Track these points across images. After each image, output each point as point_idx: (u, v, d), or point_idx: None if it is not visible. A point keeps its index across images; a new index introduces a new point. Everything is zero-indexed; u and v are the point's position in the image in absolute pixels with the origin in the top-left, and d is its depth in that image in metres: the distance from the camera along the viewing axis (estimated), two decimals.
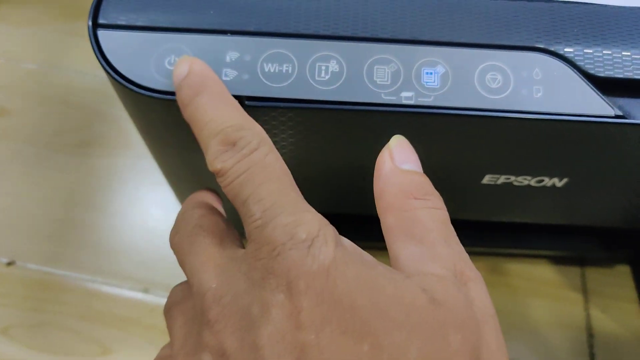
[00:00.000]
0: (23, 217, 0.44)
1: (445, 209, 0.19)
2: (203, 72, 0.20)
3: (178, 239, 0.20)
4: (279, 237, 0.16)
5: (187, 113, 0.20)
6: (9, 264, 0.42)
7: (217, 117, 0.19)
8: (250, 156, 0.18)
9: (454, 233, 0.19)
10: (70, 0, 0.56)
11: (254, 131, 0.19)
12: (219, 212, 0.21)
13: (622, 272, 0.43)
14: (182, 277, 0.22)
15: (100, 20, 0.22)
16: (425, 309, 0.16)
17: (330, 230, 0.17)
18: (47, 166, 0.46)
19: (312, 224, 0.17)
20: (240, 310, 0.16)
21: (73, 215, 0.44)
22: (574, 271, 0.42)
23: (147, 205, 0.45)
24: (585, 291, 0.42)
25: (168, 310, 0.20)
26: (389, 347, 0.15)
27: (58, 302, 0.40)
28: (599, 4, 0.24)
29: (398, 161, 0.20)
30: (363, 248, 0.18)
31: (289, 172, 0.19)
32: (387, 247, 0.19)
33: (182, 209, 0.22)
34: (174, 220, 0.21)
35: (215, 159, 0.19)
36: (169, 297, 0.21)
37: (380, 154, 0.20)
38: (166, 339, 0.40)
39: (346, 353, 0.15)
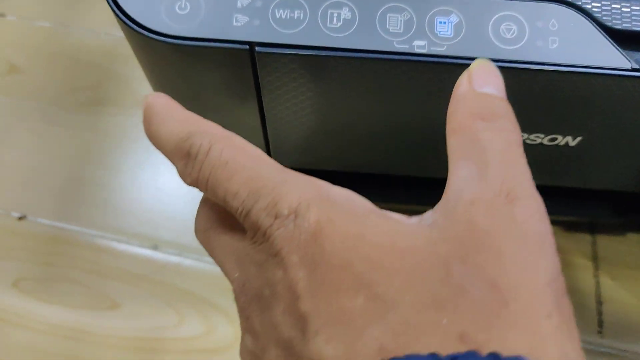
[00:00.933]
0: (34, 173, 0.44)
1: (516, 131, 0.18)
2: (151, 101, 0.21)
3: (199, 237, 0.21)
4: (265, 221, 0.17)
5: (152, 143, 0.21)
6: (20, 218, 0.42)
7: (169, 137, 0.19)
8: (207, 159, 0.18)
9: (518, 154, 0.18)
10: None
11: (202, 133, 0.19)
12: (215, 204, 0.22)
13: (634, 240, 0.42)
14: (191, 236, 0.22)
15: None
16: (423, 249, 0.16)
17: (310, 190, 0.17)
18: (58, 123, 0.47)
19: (291, 196, 0.17)
20: (257, 294, 0.17)
21: (83, 172, 0.44)
22: (585, 238, 0.42)
23: (157, 164, 0.45)
24: (595, 258, 0.42)
25: None
26: (384, 295, 0.15)
27: (68, 256, 0.41)
28: None
29: (476, 84, 0.19)
30: (387, 209, 0.18)
31: (251, 150, 0.19)
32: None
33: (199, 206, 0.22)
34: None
35: (182, 175, 0.19)
36: None
37: (460, 76, 0.20)
38: (173, 294, 0.40)
39: (342, 310, 0.15)
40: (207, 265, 0.41)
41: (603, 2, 0.22)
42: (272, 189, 0.17)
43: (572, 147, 0.27)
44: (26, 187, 0.44)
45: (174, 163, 0.20)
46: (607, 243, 0.42)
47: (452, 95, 0.20)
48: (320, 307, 0.15)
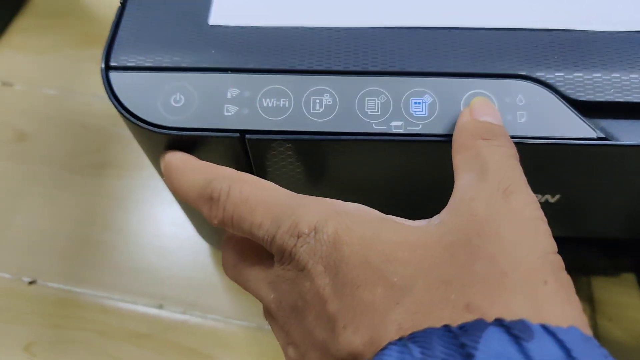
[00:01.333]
0: (42, 236, 0.46)
1: (513, 148, 0.21)
2: (168, 159, 0.23)
3: (230, 274, 0.23)
4: (289, 242, 0.19)
5: (177, 196, 0.23)
6: (31, 282, 0.44)
7: (191, 187, 0.22)
8: (229, 199, 0.20)
9: (514, 165, 0.20)
10: (86, 28, 0.59)
11: (219, 179, 0.21)
12: (242, 239, 0.23)
13: (628, 280, 0.43)
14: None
15: (112, 63, 0.24)
16: (431, 241, 0.18)
17: (326, 209, 0.19)
18: (65, 187, 0.49)
19: (309, 216, 0.19)
20: (292, 307, 0.19)
21: (89, 234, 0.46)
22: (580, 280, 0.43)
23: (160, 223, 0.46)
24: (592, 300, 0.42)
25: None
26: (399, 283, 0.17)
27: (77, 318, 0.42)
28: (578, 30, 0.25)
29: (476, 114, 0.22)
30: None
31: (266, 183, 0.21)
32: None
33: (222, 246, 0.24)
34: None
35: (209, 217, 0.21)
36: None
37: (462, 111, 0.23)
38: (178, 353, 0.41)
39: (366, 302, 0.17)
40: (212, 322, 0.42)
41: (566, 76, 0.24)
42: (292, 213, 0.19)
43: (553, 203, 0.29)
44: (35, 251, 0.45)
45: (199, 209, 0.22)
46: (602, 284, 0.43)
47: (456, 126, 0.22)
48: (345, 304, 0.17)
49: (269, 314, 0.22)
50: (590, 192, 0.28)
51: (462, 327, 0.15)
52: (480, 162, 0.20)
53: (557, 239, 0.36)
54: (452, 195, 0.20)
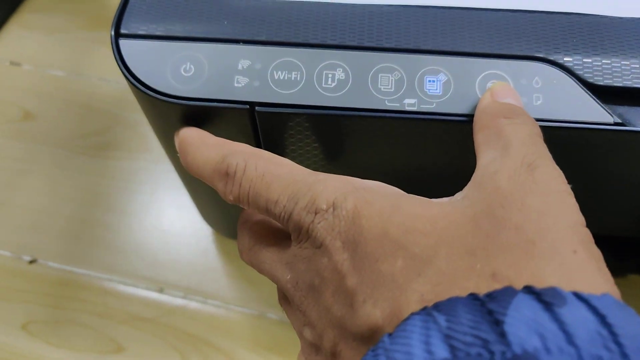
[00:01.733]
0: (44, 216, 0.46)
1: (536, 126, 0.20)
2: (183, 135, 0.23)
3: (246, 258, 0.23)
4: (307, 219, 0.18)
5: (191, 173, 0.23)
6: (31, 261, 0.43)
7: (206, 162, 0.22)
8: (245, 175, 0.20)
9: (538, 140, 0.19)
10: (95, 9, 0.58)
11: (235, 154, 0.21)
12: (260, 219, 0.23)
13: (636, 283, 0.43)
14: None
15: (122, 30, 0.24)
16: (453, 212, 0.17)
17: (345, 185, 0.18)
18: (69, 168, 0.48)
19: (327, 192, 0.18)
20: (309, 286, 0.19)
21: (92, 215, 0.46)
22: None
23: (163, 207, 0.46)
24: None
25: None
26: (420, 254, 0.16)
27: (76, 299, 0.42)
28: (598, 15, 0.25)
29: (497, 96, 0.22)
30: None
31: (282, 160, 0.21)
32: None
33: (238, 222, 0.24)
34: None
35: (224, 194, 0.21)
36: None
37: (482, 95, 0.22)
38: (178, 337, 0.41)
39: (385, 275, 0.16)
40: (212, 308, 0.41)
41: (584, 60, 0.23)
42: (309, 190, 0.19)
43: None
44: (37, 230, 0.45)
45: (214, 185, 0.21)
46: None
47: (477, 108, 0.22)
48: (365, 278, 0.17)
49: (284, 298, 0.21)
50: (603, 182, 0.27)
51: (490, 295, 0.14)
52: (503, 140, 0.19)
53: None
54: (474, 173, 0.19)
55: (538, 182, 0.17)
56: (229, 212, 0.36)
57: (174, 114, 0.23)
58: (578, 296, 0.14)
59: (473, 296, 0.14)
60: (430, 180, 0.23)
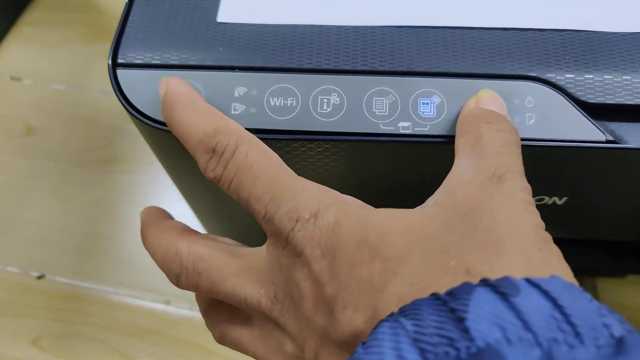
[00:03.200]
0: (50, 231, 0.46)
1: (515, 134, 0.21)
2: (175, 89, 0.22)
3: (189, 282, 0.21)
4: (287, 225, 0.18)
5: (171, 130, 0.21)
6: (39, 277, 0.44)
7: (192, 129, 0.20)
8: (233, 159, 0.19)
9: (514, 151, 0.20)
10: (93, 21, 0.59)
11: (228, 132, 0.20)
12: (195, 231, 0.22)
13: (634, 282, 0.43)
14: None
15: (119, 60, 0.24)
16: (427, 217, 0.18)
17: (327, 196, 0.19)
18: (73, 182, 0.49)
19: (311, 201, 0.18)
20: (289, 297, 0.19)
21: (97, 229, 0.46)
22: (587, 282, 0.43)
23: None
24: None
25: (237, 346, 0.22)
26: (396, 255, 0.17)
27: (84, 313, 0.43)
28: (590, 31, 0.25)
29: (482, 103, 0.22)
30: None
31: (274, 156, 0.20)
32: None
33: (157, 247, 0.22)
34: (163, 262, 0.22)
35: (205, 169, 0.20)
36: (219, 329, 0.22)
37: (468, 100, 0.23)
38: (185, 349, 0.41)
39: (364, 279, 0.17)
40: None
41: (576, 78, 0.24)
42: (293, 196, 0.19)
43: (560, 205, 0.29)
44: (44, 245, 0.46)
45: (195, 156, 0.20)
46: (608, 286, 0.42)
47: (461, 112, 0.23)
48: (344, 284, 0.17)
49: (247, 322, 0.20)
50: (598, 195, 0.28)
51: (450, 293, 0.15)
52: (480, 147, 0.20)
53: (564, 240, 0.36)
54: (447, 176, 0.20)
55: (505, 192, 0.18)
56: (229, 224, 0.36)
57: (173, 142, 0.24)
58: (530, 282, 0.15)
59: (435, 296, 0.15)
60: (423, 199, 0.24)
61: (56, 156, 0.50)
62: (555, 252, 0.17)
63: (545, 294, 0.14)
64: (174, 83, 0.22)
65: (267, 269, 0.19)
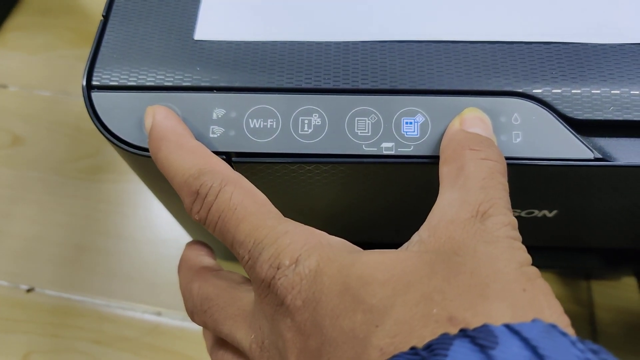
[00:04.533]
0: (39, 243, 0.46)
1: (500, 162, 0.20)
2: (161, 123, 0.21)
3: (198, 320, 0.21)
4: (268, 273, 0.18)
5: (157, 167, 0.21)
6: (29, 290, 0.44)
7: (177, 169, 0.20)
8: (216, 202, 0.19)
9: (499, 182, 0.19)
10: (78, 25, 0.58)
11: (213, 173, 0.20)
12: (212, 269, 0.23)
13: (628, 285, 0.42)
14: None
15: (94, 82, 0.24)
16: (409, 259, 0.17)
17: (311, 240, 0.18)
18: (61, 193, 0.48)
19: (293, 246, 0.18)
20: (274, 347, 0.18)
21: (86, 240, 0.46)
22: (580, 285, 0.43)
23: (158, 229, 0.46)
24: (592, 305, 0.42)
25: None
26: (377, 305, 0.16)
27: (74, 327, 0.42)
28: (577, 43, 0.24)
29: (466, 125, 0.22)
30: None
31: (259, 197, 0.20)
32: None
33: (181, 284, 0.23)
34: (183, 299, 0.22)
35: (190, 211, 0.20)
36: None
37: (452, 120, 0.22)
38: None
39: (347, 331, 0.16)
40: None
41: (563, 94, 0.23)
42: (275, 241, 0.18)
43: (550, 217, 0.28)
44: (32, 258, 0.45)
45: (180, 195, 0.20)
46: (602, 289, 0.42)
47: (445, 134, 0.22)
48: (327, 337, 0.16)
49: (243, 358, 0.20)
50: (588, 208, 0.27)
51: (429, 347, 0.14)
52: (463, 178, 0.19)
53: (556, 247, 0.36)
54: (432, 210, 0.20)
55: (489, 230, 0.18)
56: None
57: (151, 167, 0.23)
58: (510, 328, 0.14)
59: (414, 351, 0.14)
60: (407, 220, 0.23)
61: (43, 167, 0.50)
62: (542, 289, 0.17)
63: (525, 341, 0.14)
64: (160, 116, 0.22)
65: (255, 315, 0.19)
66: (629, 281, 0.42)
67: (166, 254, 0.45)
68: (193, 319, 0.22)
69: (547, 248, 0.37)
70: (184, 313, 0.42)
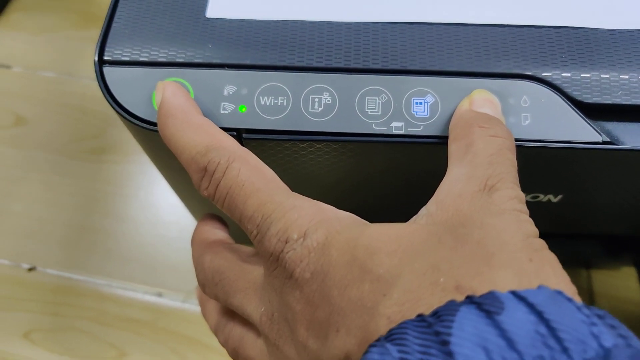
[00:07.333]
0: (41, 223, 0.46)
1: (509, 139, 0.20)
2: (169, 100, 0.21)
3: (210, 292, 0.21)
4: (277, 246, 0.18)
5: (165, 143, 0.21)
6: (30, 269, 0.44)
7: (185, 145, 0.20)
8: (224, 179, 0.19)
9: (507, 158, 0.20)
10: (83, 7, 0.58)
11: (220, 150, 0.20)
12: (224, 242, 0.23)
13: (628, 274, 0.43)
14: (195, 281, 0.23)
15: (106, 57, 0.24)
16: (416, 230, 0.17)
17: (318, 214, 0.18)
18: (63, 173, 0.48)
19: (301, 220, 0.18)
20: (283, 320, 0.18)
21: (88, 221, 0.46)
22: (580, 273, 0.43)
23: (160, 211, 0.46)
24: (592, 294, 0.42)
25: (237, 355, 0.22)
26: (385, 274, 0.16)
27: (76, 306, 0.42)
28: (587, 28, 0.24)
29: (475, 105, 0.22)
30: None
31: (267, 173, 0.20)
32: None
33: (193, 256, 0.23)
34: (195, 271, 0.22)
35: (198, 187, 0.20)
36: (231, 343, 0.22)
37: (461, 101, 0.22)
38: (178, 342, 0.41)
39: (355, 301, 0.16)
40: None
41: (573, 77, 0.23)
42: (283, 215, 0.18)
43: (555, 202, 0.28)
44: (34, 238, 0.45)
45: (189, 172, 0.20)
46: (602, 278, 0.42)
47: (454, 114, 0.22)
48: (335, 307, 0.17)
49: (257, 339, 0.20)
50: (593, 193, 0.27)
51: (435, 314, 0.14)
52: (472, 154, 0.19)
53: (559, 234, 0.36)
54: (440, 185, 0.20)
55: (496, 203, 0.18)
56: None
57: (159, 142, 0.23)
58: (516, 295, 0.14)
59: (420, 318, 0.15)
60: (416, 199, 0.23)
61: (47, 147, 0.50)
62: (549, 260, 0.17)
63: (531, 307, 0.14)
64: (169, 92, 0.22)
65: (265, 288, 0.19)
66: (629, 270, 0.43)
67: (167, 235, 0.45)
68: (204, 291, 0.22)
69: (549, 235, 0.37)
70: (184, 294, 0.42)
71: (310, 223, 0.18)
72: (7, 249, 0.45)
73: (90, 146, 0.50)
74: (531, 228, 0.18)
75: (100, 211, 0.46)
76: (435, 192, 0.19)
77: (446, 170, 0.21)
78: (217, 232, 0.24)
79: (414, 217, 0.19)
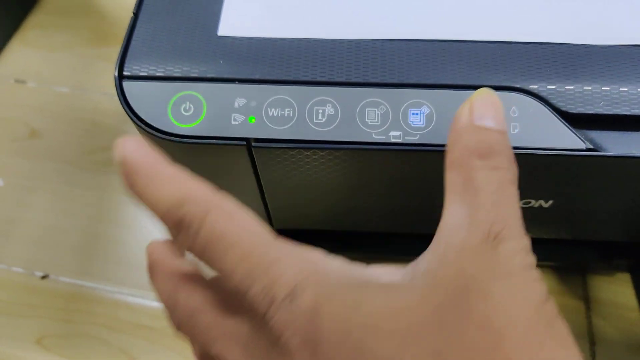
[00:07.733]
0: (54, 232, 0.47)
1: (511, 169, 0.19)
2: (131, 156, 0.19)
3: (186, 333, 0.20)
4: (262, 306, 0.17)
5: (140, 203, 0.20)
6: (43, 277, 0.45)
7: (157, 200, 0.18)
8: (200, 233, 0.18)
9: (510, 194, 0.18)
10: (96, 25, 0.60)
11: (195, 201, 0.18)
12: (196, 276, 0.20)
13: (623, 280, 0.44)
14: None
15: (125, 72, 0.26)
16: (416, 305, 0.16)
17: (305, 268, 0.17)
18: (75, 183, 0.50)
19: (286, 277, 0.17)
20: None
21: (100, 230, 0.48)
22: (576, 279, 0.44)
23: None
24: (586, 299, 0.43)
25: None
26: (385, 357, 0.16)
27: (88, 313, 0.44)
28: (572, 43, 0.26)
29: (476, 116, 0.20)
30: (369, 260, 0.19)
31: (244, 220, 0.18)
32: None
33: (160, 292, 0.21)
34: (166, 309, 0.20)
35: (175, 244, 0.19)
36: None
37: (461, 107, 0.21)
38: (189, 348, 0.43)
39: None
40: None
41: (558, 89, 0.25)
42: (266, 270, 0.17)
43: (546, 208, 0.30)
44: (47, 246, 0.47)
45: (165, 226, 0.19)
46: (598, 284, 0.44)
47: (452, 127, 0.20)
48: None
49: None
50: (582, 198, 0.29)
51: None
52: (472, 193, 0.18)
53: (552, 240, 0.37)
54: (439, 229, 0.18)
55: (502, 262, 0.17)
56: None
57: (176, 151, 0.25)
58: None
59: None
60: (413, 206, 0.25)
61: (59, 158, 0.51)
62: (562, 335, 0.16)
63: None
64: (130, 148, 0.20)
65: (250, 342, 0.18)
66: (623, 276, 0.44)
67: None
68: (179, 329, 0.20)
69: (544, 241, 0.39)
70: None
71: (297, 279, 0.17)
72: (21, 257, 0.46)
73: (102, 158, 0.51)
74: (541, 290, 0.17)
75: (111, 220, 0.48)
76: (435, 237, 0.18)
77: (442, 178, 0.22)
78: (181, 263, 0.21)
79: (413, 269, 0.18)
